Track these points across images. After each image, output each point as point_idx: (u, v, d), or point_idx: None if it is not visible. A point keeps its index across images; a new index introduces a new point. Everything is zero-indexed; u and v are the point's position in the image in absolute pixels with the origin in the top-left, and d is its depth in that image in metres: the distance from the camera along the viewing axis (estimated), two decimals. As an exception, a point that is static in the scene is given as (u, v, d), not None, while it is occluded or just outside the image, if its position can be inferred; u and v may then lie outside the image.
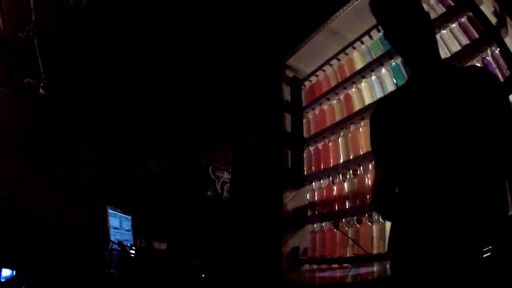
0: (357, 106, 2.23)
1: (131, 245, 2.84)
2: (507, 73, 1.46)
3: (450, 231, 0.92)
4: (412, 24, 1.11)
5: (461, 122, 0.98)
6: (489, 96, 1.00)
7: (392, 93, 1.37)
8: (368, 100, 2.16)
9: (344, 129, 2.26)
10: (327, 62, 2.58)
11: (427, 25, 1.14)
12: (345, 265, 1.94)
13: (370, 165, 1.99)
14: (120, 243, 2.67)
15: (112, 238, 2.85)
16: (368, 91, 2.20)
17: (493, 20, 1.57)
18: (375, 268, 1.71)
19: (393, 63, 2.06)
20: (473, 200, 0.91)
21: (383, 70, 2.13)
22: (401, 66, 2.00)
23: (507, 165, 0.93)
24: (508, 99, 1.12)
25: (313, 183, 2.37)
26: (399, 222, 1.09)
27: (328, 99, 2.48)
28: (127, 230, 3.25)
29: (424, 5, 1.96)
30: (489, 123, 0.96)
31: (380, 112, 1.25)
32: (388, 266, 1.52)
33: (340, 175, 2.20)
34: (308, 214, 2.30)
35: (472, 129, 0.97)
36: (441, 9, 1.85)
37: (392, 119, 1.17)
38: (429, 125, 1.04)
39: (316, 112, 2.59)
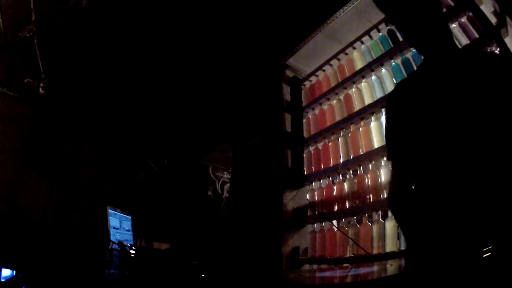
0: (357, 106, 2.23)
1: (131, 245, 2.84)
2: (507, 73, 1.46)
3: (457, 231, 0.91)
4: (422, 12, 1.09)
5: (474, 116, 0.95)
6: (506, 86, 0.95)
7: (407, 79, 1.32)
8: (368, 100, 2.16)
9: (344, 129, 2.26)
10: (327, 62, 2.58)
11: (437, 11, 1.12)
12: (345, 265, 1.94)
13: (370, 165, 1.99)
14: (120, 243, 2.66)
15: (112, 238, 2.85)
16: (368, 91, 2.20)
17: (493, 20, 1.57)
18: (375, 268, 1.71)
19: (393, 63, 2.07)
20: (482, 199, 0.89)
21: (383, 70, 2.13)
22: (401, 66, 2.01)
23: None
24: None
25: (313, 183, 2.37)
26: (414, 220, 1.08)
27: (328, 99, 2.48)
28: (127, 230, 3.25)
29: (424, 5, 1.96)
30: (502, 116, 0.92)
31: (394, 101, 1.23)
32: (388, 266, 1.52)
33: (340, 175, 2.20)
34: (308, 214, 2.30)
35: (484, 123, 0.94)
36: (441, 9, 1.85)
37: (405, 110, 1.14)
38: (441, 118, 1.01)
39: (316, 112, 2.59)
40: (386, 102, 1.27)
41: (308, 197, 2.35)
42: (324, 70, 2.61)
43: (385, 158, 1.93)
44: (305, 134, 2.58)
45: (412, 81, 1.23)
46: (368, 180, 1.98)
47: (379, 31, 2.25)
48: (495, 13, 1.59)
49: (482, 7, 1.62)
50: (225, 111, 3.82)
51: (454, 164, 0.96)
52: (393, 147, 1.21)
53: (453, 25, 1.77)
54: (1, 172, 3.24)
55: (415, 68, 1.93)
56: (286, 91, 2.78)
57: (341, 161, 2.20)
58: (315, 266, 2.16)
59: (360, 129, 2.16)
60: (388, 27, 2.20)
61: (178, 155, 4.81)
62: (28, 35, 3.12)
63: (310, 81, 2.73)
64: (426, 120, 1.05)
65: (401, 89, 1.24)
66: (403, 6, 1.12)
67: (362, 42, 2.35)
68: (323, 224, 2.16)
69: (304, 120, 2.65)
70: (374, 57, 2.21)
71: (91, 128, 4.08)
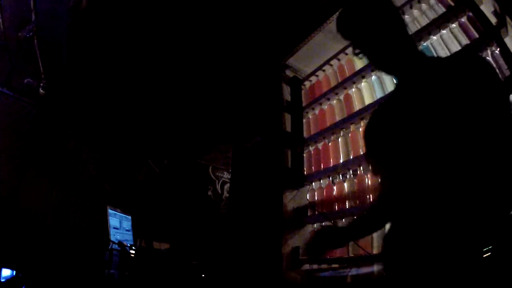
0: (357, 106, 2.23)
1: (131, 245, 2.84)
2: (507, 73, 1.46)
3: (449, 231, 0.91)
4: (385, 35, 1.09)
5: (454, 122, 0.95)
6: (483, 89, 0.94)
7: (382, 104, 1.32)
8: (368, 100, 2.16)
9: (344, 129, 2.26)
10: (327, 62, 2.58)
11: (400, 32, 1.11)
12: (345, 265, 1.94)
13: (370, 165, 1.99)
14: (120, 243, 2.67)
15: (112, 238, 2.85)
16: (368, 91, 2.20)
17: (493, 20, 1.57)
18: (375, 268, 1.71)
19: (393, 63, 2.06)
20: (472, 200, 0.89)
21: (383, 70, 2.13)
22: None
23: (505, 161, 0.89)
24: (503, 89, 1.04)
25: (313, 183, 2.37)
26: (398, 223, 1.07)
27: (328, 99, 2.48)
28: (127, 230, 3.25)
29: (424, 5, 1.97)
30: (484, 118, 0.92)
31: (373, 127, 1.25)
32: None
33: (340, 175, 2.20)
34: (308, 214, 2.30)
35: (466, 126, 0.93)
36: (441, 9, 1.85)
37: (386, 134, 1.14)
38: (421, 129, 1.01)
39: (316, 112, 2.59)
40: (365, 131, 1.30)
41: (308, 197, 2.34)
42: (324, 70, 2.61)
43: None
44: (305, 134, 2.58)
45: (389, 105, 1.23)
46: (368, 180, 1.98)
47: (379, 31, 2.25)
48: (495, 13, 1.59)
49: (482, 7, 1.62)
50: (225, 111, 3.82)
51: (439, 171, 0.96)
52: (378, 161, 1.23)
53: (453, 25, 1.77)
54: (1, 172, 3.24)
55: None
56: (286, 91, 2.78)
57: (341, 161, 2.19)
58: (315, 266, 2.16)
59: (360, 129, 2.16)
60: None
61: (178, 155, 4.81)
62: (28, 35, 3.12)
63: (310, 81, 2.73)
64: (407, 136, 1.05)
65: (380, 114, 1.25)
66: (367, 31, 1.11)
67: (362, 42, 2.34)
68: (323, 224, 2.16)
69: (304, 120, 2.65)
70: (374, 57, 2.20)
71: (91, 128, 4.08)
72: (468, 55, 1.17)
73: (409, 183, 1.03)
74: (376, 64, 1.18)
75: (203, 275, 2.76)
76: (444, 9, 1.82)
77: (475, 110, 0.93)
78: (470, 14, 1.67)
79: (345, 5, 1.19)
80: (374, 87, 2.16)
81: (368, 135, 1.27)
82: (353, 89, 2.31)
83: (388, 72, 1.21)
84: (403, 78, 1.16)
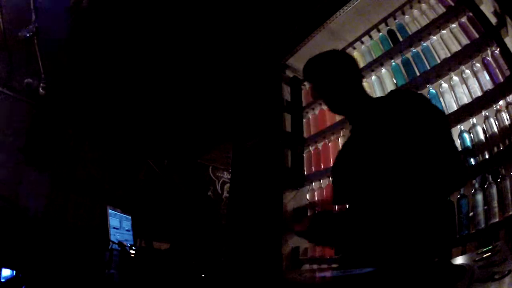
0: (357, 106, 2.23)
1: (131, 245, 2.84)
2: (507, 73, 1.46)
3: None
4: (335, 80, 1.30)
5: (388, 153, 1.07)
6: (413, 119, 1.08)
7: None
8: (368, 100, 2.16)
9: (344, 129, 2.26)
10: (327, 62, 2.57)
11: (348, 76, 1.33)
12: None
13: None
14: (120, 243, 2.67)
15: (112, 238, 2.85)
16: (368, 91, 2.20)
17: (493, 20, 1.57)
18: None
19: (393, 63, 2.06)
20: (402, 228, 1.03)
21: (383, 70, 2.13)
22: (401, 66, 2.01)
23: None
24: (437, 119, 1.12)
25: (313, 183, 2.37)
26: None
27: (328, 99, 2.48)
28: (127, 230, 3.25)
29: (424, 5, 1.97)
30: (417, 145, 1.03)
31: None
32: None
33: (340, 175, 2.20)
34: (308, 214, 2.30)
35: (401, 156, 1.04)
36: (441, 9, 1.85)
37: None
38: (360, 164, 1.16)
39: (316, 112, 2.59)
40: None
41: (308, 197, 2.34)
42: (324, 70, 2.60)
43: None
44: (305, 134, 2.58)
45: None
46: (368, 180, 1.98)
47: (379, 31, 2.25)
48: (495, 13, 1.60)
49: (482, 7, 1.62)
50: (225, 111, 3.82)
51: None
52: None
53: (453, 25, 1.77)
54: (1, 171, 3.24)
55: (415, 68, 1.93)
56: (286, 91, 2.78)
57: (341, 161, 2.19)
58: (315, 266, 2.16)
59: (360, 129, 2.16)
60: (388, 27, 2.20)
61: (178, 155, 4.82)
62: (28, 35, 3.12)
63: (310, 81, 2.73)
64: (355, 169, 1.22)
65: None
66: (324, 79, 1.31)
67: (362, 42, 2.34)
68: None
69: (304, 120, 2.65)
70: (374, 57, 2.20)
71: (91, 128, 4.08)
72: (401, 94, 1.33)
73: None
74: (330, 107, 1.36)
75: (203, 275, 2.76)
76: (444, 9, 1.82)
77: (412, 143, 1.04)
78: (470, 14, 1.67)
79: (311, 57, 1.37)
80: (374, 87, 2.16)
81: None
82: (353, 89, 2.30)
83: (343, 114, 1.44)
84: (354, 120, 1.34)
